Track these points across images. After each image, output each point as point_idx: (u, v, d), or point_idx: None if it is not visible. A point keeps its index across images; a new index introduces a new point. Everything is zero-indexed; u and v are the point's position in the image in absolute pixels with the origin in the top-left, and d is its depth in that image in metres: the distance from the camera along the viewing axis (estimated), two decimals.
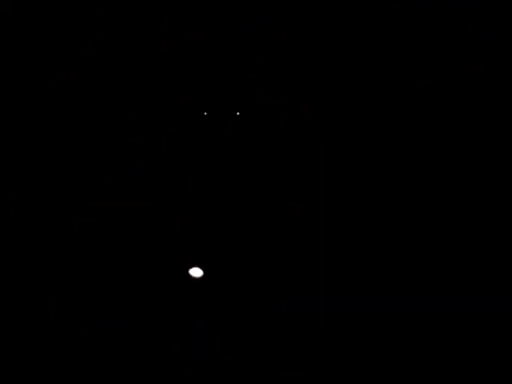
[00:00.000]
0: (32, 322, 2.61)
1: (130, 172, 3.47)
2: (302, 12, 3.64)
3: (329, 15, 3.64)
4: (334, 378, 2.33)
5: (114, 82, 3.59)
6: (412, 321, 2.80)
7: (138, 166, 3.44)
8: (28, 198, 3.49)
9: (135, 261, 3.16)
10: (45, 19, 3.52)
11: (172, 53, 3.60)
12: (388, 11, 3.58)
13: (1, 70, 3.51)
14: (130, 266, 3.16)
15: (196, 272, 2.75)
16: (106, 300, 2.84)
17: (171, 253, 2.85)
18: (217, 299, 2.81)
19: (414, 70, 3.59)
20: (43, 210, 3.48)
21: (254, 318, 2.77)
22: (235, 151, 2.92)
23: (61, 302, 2.79)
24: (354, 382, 2.34)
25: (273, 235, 3.32)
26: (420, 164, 3.58)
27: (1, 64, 3.51)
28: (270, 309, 2.87)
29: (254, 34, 3.58)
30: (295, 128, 3.65)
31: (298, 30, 3.63)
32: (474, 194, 3.47)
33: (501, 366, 2.42)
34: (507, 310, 2.85)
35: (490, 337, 2.64)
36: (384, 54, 3.61)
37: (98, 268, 3.18)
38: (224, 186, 2.88)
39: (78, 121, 3.58)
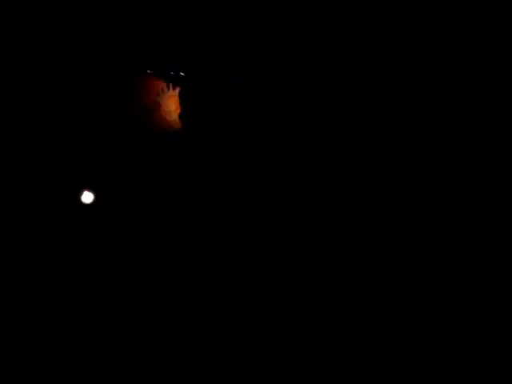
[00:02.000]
0: (32, 321, 2.61)
1: (132, 173, 3.48)
2: (302, 12, 3.64)
3: (328, 15, 3.64)
4: (334, 378, 2.34)
5: (114, 81, 3.59)
6: (412, 321, 2.80)
7: (138, 166, 3.44)
8: (28, 197, 3.50)
9: (134, 260, 3.16)
10: (45, 19, 3.53)
11: (172, 52, 3.61)
12: (388, 11, 3.59)
13: (1, 70, 3.52)
14: (129, 265, 3.17)
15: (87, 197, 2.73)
16: (106, 300, 2.85)
17: (170, 252, 2.86)
18: (217, 299, 2.82)
19: (414, 70, 3.59)
20: (43, 210, 3.48)
21: (253, 318, 2.77)
22: (234, 150, 2.93)
23: (61, 302, 2.80)
24: (354, 381, 2.34)
25: (272, 235, 3.32)
26: (420, 163, 3.58)
27: (1, 64, 3.52)
28: (270, 309, 2.87)
29: (252, 34, 3.59)
30: (295, 128, 3.65)
31: (298, 30, 3.64)
32: (474, 193, 3.47)
33: (501, 365, 2.42)
34: (507, 309, 2.86)
35: (489, 337, 2.64)
36: (384, 54, 3.62)
37: (97, 268, 3.18)
38: (224, 186, 2.89)
39: (78, 121, 3.59)
